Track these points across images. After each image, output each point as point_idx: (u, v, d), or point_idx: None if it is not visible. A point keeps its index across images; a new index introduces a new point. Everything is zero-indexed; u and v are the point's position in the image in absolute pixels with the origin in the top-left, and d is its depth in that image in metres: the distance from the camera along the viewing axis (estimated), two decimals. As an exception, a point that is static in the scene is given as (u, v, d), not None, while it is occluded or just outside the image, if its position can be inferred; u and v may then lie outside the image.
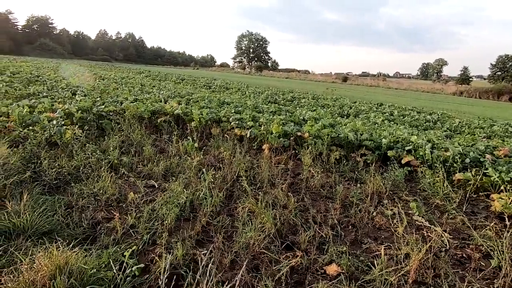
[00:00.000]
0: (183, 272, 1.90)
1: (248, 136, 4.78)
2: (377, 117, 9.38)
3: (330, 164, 4.18)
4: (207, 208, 2.65)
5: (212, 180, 3.10)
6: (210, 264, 1.97)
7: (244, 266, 1.87)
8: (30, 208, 2.27)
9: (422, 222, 2.77)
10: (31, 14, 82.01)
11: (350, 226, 2.71)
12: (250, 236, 2.25)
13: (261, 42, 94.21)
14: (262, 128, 4.87)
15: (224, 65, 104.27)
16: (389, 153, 4.22)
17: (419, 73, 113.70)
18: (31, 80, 10.64)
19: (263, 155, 4.30)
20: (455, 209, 3.11)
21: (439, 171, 3.65)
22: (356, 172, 3.99)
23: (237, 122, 5.27)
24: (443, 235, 2.51)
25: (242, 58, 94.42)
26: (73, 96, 7.47)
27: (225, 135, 4.99)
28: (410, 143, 4.52)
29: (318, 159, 4.21)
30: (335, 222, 2.69)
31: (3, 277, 1.57)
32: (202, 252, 2.10)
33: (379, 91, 33.16)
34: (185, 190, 2.87)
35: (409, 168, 3.98)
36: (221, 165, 3.80)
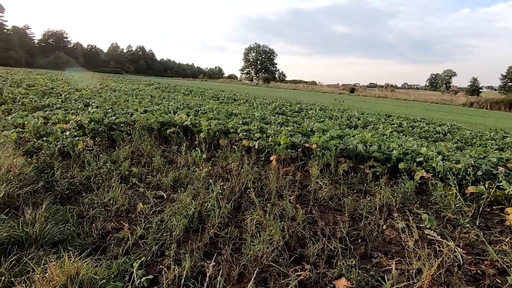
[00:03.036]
0: (191, 284, 1.90)
1: (256, 147, 4.81)
2: (385, 128, 9.31)
3: (338, 176, 4.15)
4: (215, 220, 2.65)
5: (220, 191, 3.11)
6: (218, 277, 1.96)
7: (252, 279, 1.86)
8: (42, 217, 2.31)
9: (434, 236, 2.71)
10: (47, 28, 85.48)
11: (360, 239, 2.67)
12: (258, 248, 2.24)
13: (268, 54, 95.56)
14: (269, 139, 4.89)
15: (232, 77, 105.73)
16: (401, 165, 4.17)
17: (427, 84, 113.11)
18: (46, 92, 10.98)
19: (271, 166, 4.31)
20: (468, 223, 3.03)
21: (451, 184, 3.58)
22: (365, 184, 3.95)
23: (245, 133, 5.31)
24: (456, 250, 2.45)
25: (250, 69, 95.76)
26: (86, 107, 7.67)
27: (233, 146, 5.02)
28: (420, 155, 4.46)
29: (326, 170, 4.19)
30: (344, 235, 2.65)
31: (16, 286, 1.60)
32: (210, 264, 2.09)
33: (387, 102, 33.00)
34: (193, 201, 2.89)
35: (419, 181, 3.92)
36: (229, 176, 3.81)
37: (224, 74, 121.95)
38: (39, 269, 1.71)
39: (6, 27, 69.18)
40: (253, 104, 14.51)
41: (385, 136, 7.41)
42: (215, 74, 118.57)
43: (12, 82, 14.09)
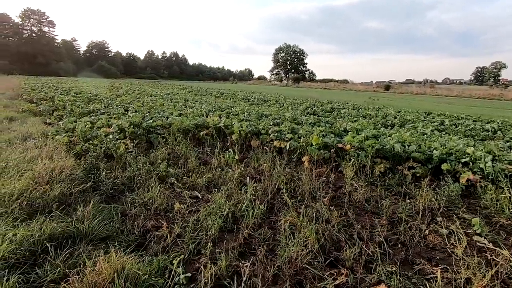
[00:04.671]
0: (227, 284, 1.93)
1: (287, 148, 4.78)
2: (425, 127, 8.75)
3: (375, 177, 3.98)
4: (249, 220, 2.68)
5: (253, 192, 3.14)
6: (253, 277, 1.98)
7: (288, 281, 1.85)
8: (91, 215, 2.50)
9: (485, 243, 2.49)
10: (91, 40, 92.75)
11: (400, 244, 2.53)
12: (292, 250, 2.22)
13: (298, 54, 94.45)
14: (301, 140, 4.83)
15: (261, 78, 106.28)
16: (444, 166, 3.89)
17: (472, 78, 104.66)
18: (91, 98, 11.88)
19: (303, 168, 4.25)
20: (526, 230, 2.74)
21: (503, 187, 3.27)
22: (404, 186, 3.74)
23: (276, 134, 5.30)
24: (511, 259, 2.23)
25: (279, 70, 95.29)
26: (126, 112, 8.17)
27: (265, 147, 5.04)
28: (466, 155, 4.13)
29: (361, 172, 4.05)
30: (382, 239, 2.53)
31: (70, 277, 1.75)
32: (245, 265, 2.11)
33: (426, 99, 31.01)
34: (227, 201, 2.94)
35: (465, 183, 3.62)
36: (261, 177, 3.83)
37: (253, 75, 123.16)
38: (90, 263, 1.85)
39: (57, 41, 76.14)
40: (283, 105, 14.44)
41: (425, 135, 6.97)
42: (245, 76, 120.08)
43: (62, 90, 15.44)
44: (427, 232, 2.67)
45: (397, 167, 4.23)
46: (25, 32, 70.10)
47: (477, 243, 2.52)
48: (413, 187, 3.67)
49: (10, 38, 66.61)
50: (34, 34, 70.67)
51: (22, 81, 25.54)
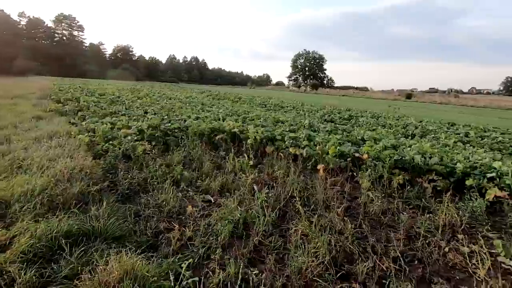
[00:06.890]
0: (234, 291, 1.91)
1: (303, 156, 4.72)
2: (448, 138, 8.40)
3: (392, 189, 3.85)
4: (259, 227, 2.65)
5: (265, 198, 3.11)
6: (261, 286, 1.95)
7: (296, 293, 1.80)
8: (106, 214, 2.57)
9: (511, 266, 2.33)
10: (116, 44, 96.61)
11: (416, 261, 2.42)
12: (302, 260, 2.17)
13: (317, 60, 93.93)
14: (317, 147, 4.76)
15: (279, 84, 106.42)
16: (468, 181, 3.70)
17: (501, 88, 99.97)
18: (113, 100, 12.31)
19: (318, 176, 4.18)
20: (557, 253, 2.54)
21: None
22: (423, 200, 3.59)
23: (291, 141, 5.26)
24: (540, 285, 2.07)
25: (298, 76, 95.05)
26: (145, 114, 8.40)
27: (279, 153, 5.00)
28: (492, 170, 3.91)
29: (378, 182, 3.92)
30: (397, 254, 2.43)
31: (83, 275, 1.79)
32: (254, 272, 2.09)
33: (450, 109, 29.86)
34: (239, 207, 2.93)
35: (492, 199, 3.43)
36: (274, 184, 3.80)
37: (271, 81, 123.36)
38: (102, 261, 1.89)
39: (85, 44, 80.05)
40: (300, 112, 14.35)
41: (447, 147, 6.68)
42: (263, 81, 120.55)
43: (87, 91, 16.12)
44: (447, 249, 2.54)
45: (416, 179, 4.07)
46: (57, 35, 74.15)
47: (502, 265, 2.37)
48: (433, 201, 3.52)
49: (43, 41, 70.62)
50: (64, 38, 74.61)
51: (51, 82, 26.91)
